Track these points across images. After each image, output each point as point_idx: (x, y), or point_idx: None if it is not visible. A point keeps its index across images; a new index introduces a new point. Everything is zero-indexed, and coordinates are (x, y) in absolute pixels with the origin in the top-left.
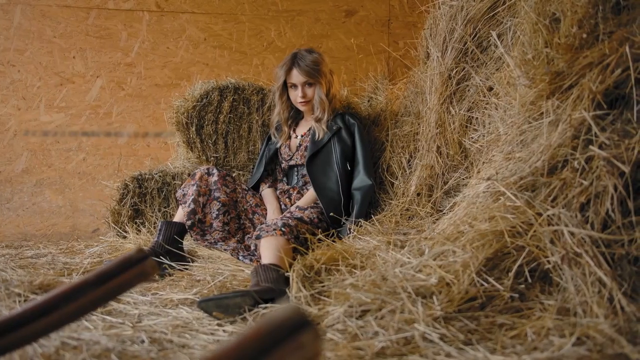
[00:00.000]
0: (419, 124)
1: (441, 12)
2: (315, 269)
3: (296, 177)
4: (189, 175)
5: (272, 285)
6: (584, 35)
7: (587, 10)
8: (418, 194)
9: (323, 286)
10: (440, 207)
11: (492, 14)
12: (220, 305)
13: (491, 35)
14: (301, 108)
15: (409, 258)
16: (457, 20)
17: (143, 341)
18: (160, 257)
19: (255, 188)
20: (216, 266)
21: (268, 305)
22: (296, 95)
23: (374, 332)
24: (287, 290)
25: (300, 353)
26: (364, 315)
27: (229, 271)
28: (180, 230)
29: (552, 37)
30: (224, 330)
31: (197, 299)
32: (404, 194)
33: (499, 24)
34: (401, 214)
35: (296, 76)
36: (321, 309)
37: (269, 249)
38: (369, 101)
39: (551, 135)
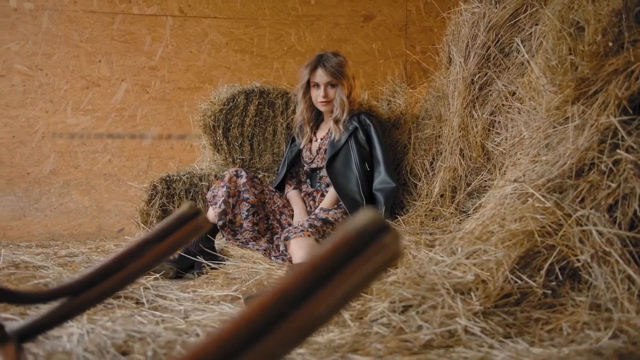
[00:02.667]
0: (440, 127)
1: (463, 19)
2: None
3: (318, 180)
4: (215, 177)
5: None
6: (610, 44)
7: (611, 19)
8: (441, 196)
9: None
10: (463, 208)
11: (514, 21)
12: None
13: (513, 42)
14: (321, 108)
15: (442, 256)
16: (480, 26)
17: (198, 334)
18: (196, 256)
19: (280, 189)
20: (249, 265)
21: None
22: (318, 95)
23: (418, 326)
24: None
25: (384, 253)
26: (406, 310)
27: (263, 270)
28: (212, 230)
29: (576, 45)
30: None
31: (239, 296)
32: (427, 195)
33: (521, 30)
34: (425, 215)
35: (320, 76)
36: (363, 304)
37: (301, 249)
38: (388, 104)
39: (578, 139)
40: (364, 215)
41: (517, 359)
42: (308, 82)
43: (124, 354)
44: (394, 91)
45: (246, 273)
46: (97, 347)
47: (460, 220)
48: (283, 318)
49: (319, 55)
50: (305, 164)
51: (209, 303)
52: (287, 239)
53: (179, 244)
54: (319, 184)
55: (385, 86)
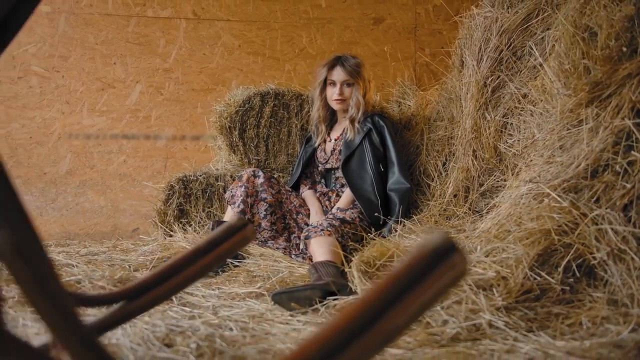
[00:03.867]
0: (453, 129)
1: (475, 23)
2: (377, 265)
3: (333, 180)
4: (231, 177)
5: (334, 279)
6: (624, 49)
7: (623, 24)
8: (455, 196)
9: None
10: (476, 208)
11: (526, 25)
12: (292, 297)
13: (525, 45)
14: (335, 106)
15: None
16: (492, 30)
17: (231, 329)
18: None
19: (295, 189)
20: (270, 263)
21: (334, 297)
22: (333, 93)
23: (443, 321)
24: (348, 283)
25: (453, 271)
26: None
27: (284, 267)
28: None
29: (589, 49)
30: (297, 320)
31: (264, 293)
32: (440, 195)
33: (533, 34)
34: (439, 214)
35: (338, 74)
36: None
37: (322, 247)
38: (399, 106)
39: (592, 141)
40: (436, 236)
41: (541, 351)
42: (325, 80)
43: (167, 346)
44: (404, 93)
45: (267, 271)
46: (141, 339)
47: (474, 219)
48: (368, 327)
49: (337, 55)
50: (319, 164)
51: (234, 299)
52: (307, 237)
53: (228, 253)
54: (334, 184)
55: (395, 88)
